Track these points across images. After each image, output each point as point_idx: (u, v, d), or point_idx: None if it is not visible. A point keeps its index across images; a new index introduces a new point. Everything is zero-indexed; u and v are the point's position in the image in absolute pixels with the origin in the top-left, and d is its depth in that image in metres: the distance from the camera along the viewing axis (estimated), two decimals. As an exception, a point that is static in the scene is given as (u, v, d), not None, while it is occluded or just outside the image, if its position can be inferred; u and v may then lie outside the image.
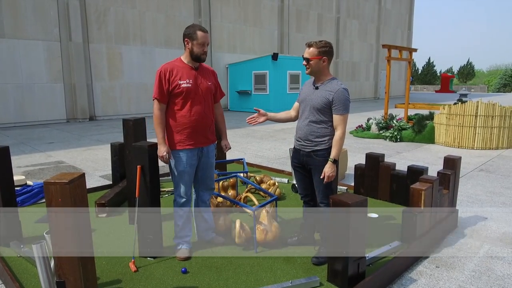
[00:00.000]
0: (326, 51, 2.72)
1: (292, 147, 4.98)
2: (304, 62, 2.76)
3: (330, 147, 2.75)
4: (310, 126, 2.78)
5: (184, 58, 2.86)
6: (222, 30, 18.09)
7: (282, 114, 3.08)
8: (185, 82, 2.79)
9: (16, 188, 4.66)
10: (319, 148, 2.76)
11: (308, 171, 2.90)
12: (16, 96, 12.39)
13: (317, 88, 2.78)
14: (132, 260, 2.80)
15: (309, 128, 2.78)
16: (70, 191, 1.98)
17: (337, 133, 2.71)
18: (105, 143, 8.89)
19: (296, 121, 3.02)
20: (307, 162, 2.84)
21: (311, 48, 2.71)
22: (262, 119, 3.00)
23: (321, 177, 2.73)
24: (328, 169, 2.69)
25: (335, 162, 2.71)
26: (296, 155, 2.92)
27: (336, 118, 2.70)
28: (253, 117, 3.01)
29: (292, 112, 3.06)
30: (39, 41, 12.64)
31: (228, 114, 16.52)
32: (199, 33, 2.78)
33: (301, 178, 2.99)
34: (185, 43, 2.82)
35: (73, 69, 13.35)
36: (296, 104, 3.03)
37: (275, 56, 15.99)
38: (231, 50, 18.62)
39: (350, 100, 2.77)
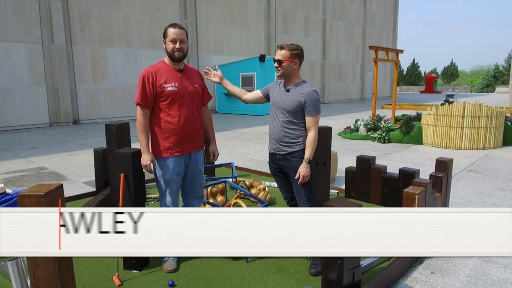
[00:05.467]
0: (297, 54, 2.73)
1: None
2: (276, 64, 2.74)
3: (305, 148, 2.74)
4: (284, 129, 2.75)
5: (167, 60, 2.74)
6: (208, 32, 17.94)
7: (236, 89, 3.06)
8: (170, 85, 2.66)
9: (-6, 197, 4.44)
10: (294, 149, 2.75)
11: (287, 175, 2.85)
12: (-4, 100, 12.02)
13: (288, 90, 2.76)
14: (116, 273, 2.65)
15: (283, 131, 2.76)
16: (46, 204, 1.84)
17: (311, 134, 2.72)
18: (89, 147, 8.66)
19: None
20: (284, 165, 2.81)
21: (283, 50, 2.71)
22: (216, 79, 3.03)
23: (296, 177, 2.70)
24: (303, 169, 2.68)
25: (310, 162, 2.71)
26: (273, 159, 2.88)
27: (309, 119, 2.72)
28: (211, 72, 3.05)
29: (247, 96, 3.04)
30: (20, 43, 12.29)
31: (216, 116, 16.37)
32: (169, 29, 2.67)
33: (283, 183, 2.96)
34: (163, 44, 2.72)
35: (56, 72, 13.02)
36: (257, 92, 2.99)
37: (262, 58, 15.91)
38: (218, 51, 18.48)
39: (321, 101, 2.77)
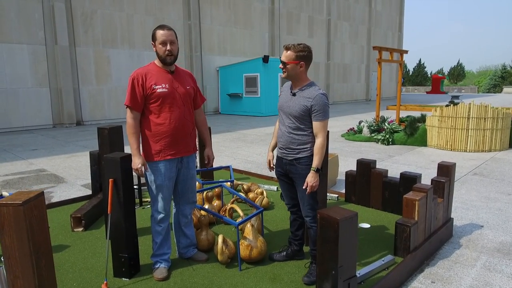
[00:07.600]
0: (304, 55, 2.55)
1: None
2: (281, 65, 2.61)
3: (313, 155, 2.60)
4: (291, 134, 2.63)
5: (158, 62, 2.67)
6: (212, 33, 17.88)
7: (275, 134, 2.91)
8: (160, 86, 2.58)
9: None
10: (301, 155, 2.61)
11: (293, 180, 2.74)
12: (0, 101, 12.04)
13: (294, 94, 2.62)
14: (105, 281, 2.58)
15: (290, 137, 2.63)
16: (24, 213, 1.77)
17: (318, 141, 2.56)
18: (90, 149, 8.63)
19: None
20: (290, 170, 2.68)
21: (289, 52, 2.55)
22: (271, 156, 2.91)
23: (304, 187, 2.57)
24: (310, 179, 2.54)
25: (318, 171, 2.55)
26: (280, 163, 2.76)
27: (316, 124, 2.55)
28: (270, 165, 2.93)
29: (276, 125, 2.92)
30: (23, 45, 12.32)
31: (219, 117, 16.31)
32: (158, 31, 2.58)
33: (286, 188, 2.83)
34: (153, 47, 2.65)
35: (59, 73, 13.03)
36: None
37: (266, 59, 15.82)
38: (221, 52, 18.42)
39: (329, 105, 2.62)
